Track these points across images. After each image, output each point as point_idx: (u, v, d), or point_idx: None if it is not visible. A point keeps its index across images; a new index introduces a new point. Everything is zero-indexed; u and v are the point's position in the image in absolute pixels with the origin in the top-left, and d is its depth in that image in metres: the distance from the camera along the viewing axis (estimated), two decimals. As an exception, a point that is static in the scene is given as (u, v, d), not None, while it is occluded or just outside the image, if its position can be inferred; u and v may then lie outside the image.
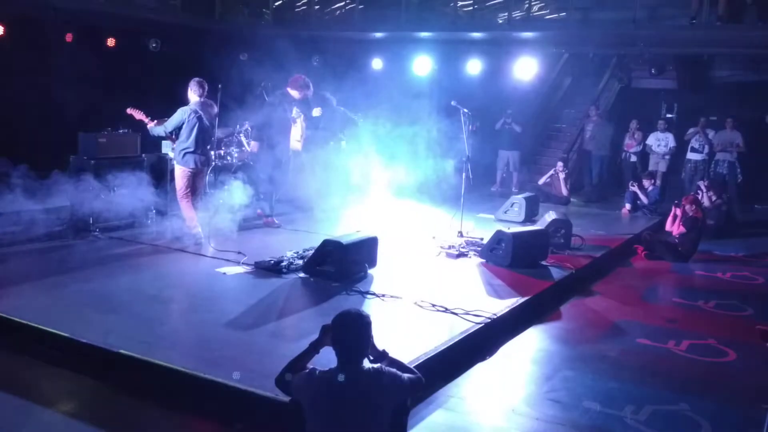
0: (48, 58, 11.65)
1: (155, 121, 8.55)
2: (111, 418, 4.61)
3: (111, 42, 12.44)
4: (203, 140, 8.47)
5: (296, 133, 9.69)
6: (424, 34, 13.96)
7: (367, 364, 3.38)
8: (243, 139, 10.93)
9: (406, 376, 3.37)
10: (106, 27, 12.40)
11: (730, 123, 13.19)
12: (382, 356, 3.51)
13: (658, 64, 13.82)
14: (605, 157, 14.32)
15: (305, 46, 13.98)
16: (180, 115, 8.37)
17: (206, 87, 8.55)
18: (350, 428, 3.20)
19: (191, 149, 8.36)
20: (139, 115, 8.59)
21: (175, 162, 8.59)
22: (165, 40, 13.10)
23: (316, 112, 9.99)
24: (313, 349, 3.52)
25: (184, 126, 8.33)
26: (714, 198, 11.51)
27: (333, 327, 3.38)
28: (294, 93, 9.51)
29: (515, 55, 13.35)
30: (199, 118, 8.39)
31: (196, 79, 8.57)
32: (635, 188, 12.58)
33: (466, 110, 9.56)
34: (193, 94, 8.49)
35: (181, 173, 8.45)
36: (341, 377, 3.17)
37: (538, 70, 13.69)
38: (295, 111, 9.57)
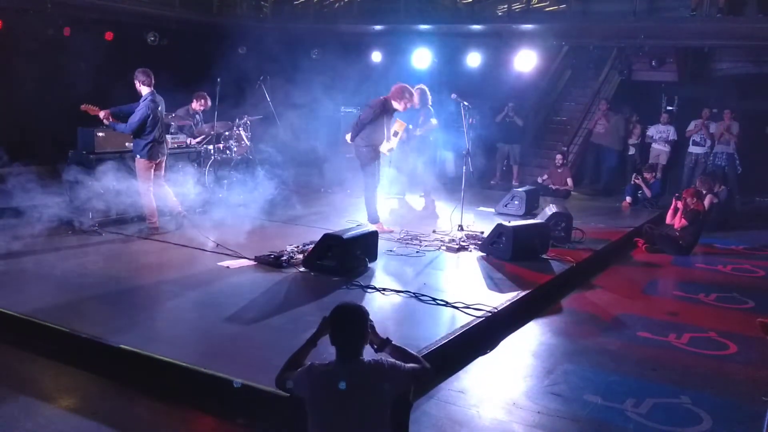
0: (46, 52, 11.62)
1: (109, 116, 8.42)
2: (111, 414, 4.60)
3: (109, 36, 12.41)
4: (164, 130, 8.60)
5: (390, 144, 9.10)
6: (423, 27, 13.92)
7: (366, 355, 3.37)
8: (242, 132, 10.91)
9: (408, 365, 3.36)
10: (104, 21, 12.36)
11: (728, 114, 13.16)
12: (384, 344, 3.51)
13: (658, 57, 13.78)
14: (616, 151, 14.28)
15: (304, 39, 13.95)
16: (144, 110, 8.31)
17: (153, 75, 8.48)
18: (352, 420, 3.19)
19: (154, 140, 8.39)
20: (94, 111, 8.42)
21: (138, 156, 8.49)
22: (163, 33, 13.07)
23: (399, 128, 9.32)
24: (311, 343, 3.51)
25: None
26: (704, 192, 11.42)
27: (330, 321, 3.37)
28: (396, 105, 8.93)
29: (515, 47, 13.30)
30: (155, 109, 8.39)
31: (141, 69, 8.47)
32: (639, 181, 12.55)
33: (466, 103, 9.53)
34: (144, 86, 8.42)
35: (145, 166, 8.47)
36: (342, 385, 3.16)
37: (538, 63, 13.64)
38: (397, 124, 9.16)
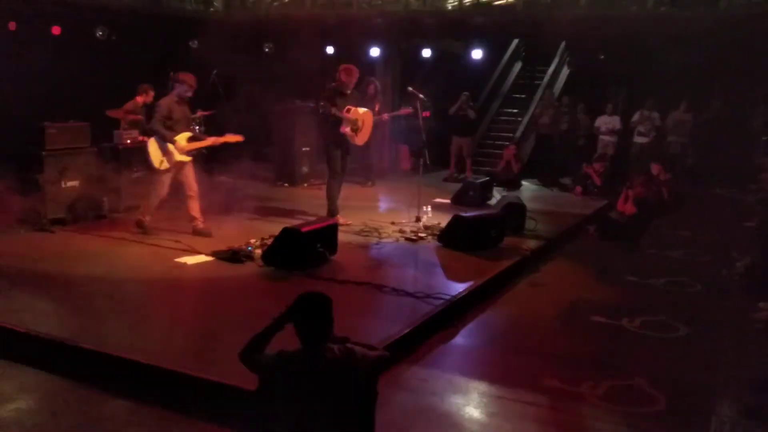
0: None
1: None
2: (71, 414, 4.55)
3: (56, 30, 12.11)
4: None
5: (350, 122, 9.04)
6: (377, 21, 13.96)
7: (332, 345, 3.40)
8: (195, 127, 10.76)
9: (374, 352, 3.41)
10: (51, 14, 12.05)
11: (684, 105, 13.49)
12: (344, 342, 3.53)
13: (605, 48, 14.04)
14: (563, 141, 14.54)
15: (257, 32, 13.83)
16: None
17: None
18: (321, 408, 3.20)
19: None
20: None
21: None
22: (112, 27, 12.81)
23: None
24: (278, 325, 3.41)
25: None
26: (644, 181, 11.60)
27: (296, 309, 3.36)
28: (344, 83, 9.03)
29: (466, 40, 13.46)
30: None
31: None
32: (590, 170, 12.81)
33: (422, 96, 9.61)
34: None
35: None
36: (314, 374, 3.19)
37: (489, 56, 13.82)
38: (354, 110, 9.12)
